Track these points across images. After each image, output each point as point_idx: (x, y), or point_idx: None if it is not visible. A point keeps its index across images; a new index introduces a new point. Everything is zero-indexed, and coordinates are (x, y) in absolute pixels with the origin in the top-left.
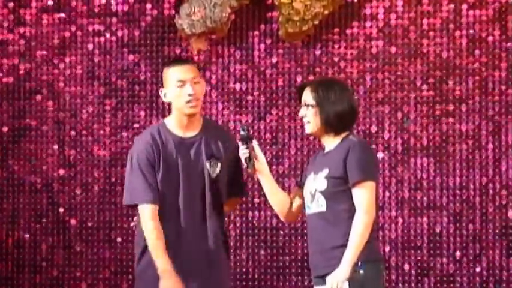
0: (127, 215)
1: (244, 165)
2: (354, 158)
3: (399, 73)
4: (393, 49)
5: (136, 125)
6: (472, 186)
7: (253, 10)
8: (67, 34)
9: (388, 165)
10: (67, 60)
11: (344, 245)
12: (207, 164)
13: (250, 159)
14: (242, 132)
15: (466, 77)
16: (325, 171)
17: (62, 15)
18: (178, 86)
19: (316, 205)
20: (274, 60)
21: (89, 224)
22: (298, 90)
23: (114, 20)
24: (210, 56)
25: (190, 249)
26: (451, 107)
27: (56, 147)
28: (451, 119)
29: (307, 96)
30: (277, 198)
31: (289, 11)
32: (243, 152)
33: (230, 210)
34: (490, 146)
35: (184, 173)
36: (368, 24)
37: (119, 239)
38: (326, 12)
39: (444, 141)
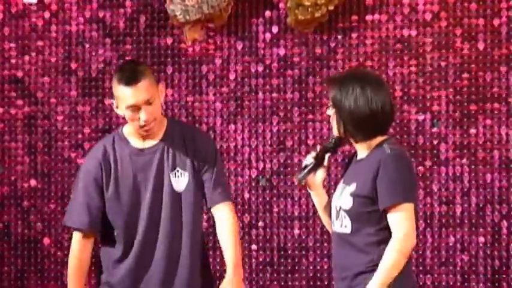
0: None
1: (301, 173)
2: (385, 177)
3: (428, 67)
4: (421, 39)
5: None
6: None
7: None
8: (40, 22)
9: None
10: (40, 52)
11: (367, 272)
12: (171, 177)
13: (309, 171)
14: (330, 141)
15: (506, 71)
16: (352, 187)
17: (34, 0)
18: (130, 110)
19: (340, 224)
20: (281, 52)
21: (65, 244)
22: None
23: (94, 5)
24: (206, 48)
25: (150, 276)
26: (488, 107)
27: (26, 153)
28: (488, 121)
29: (330, 95)
30: (326, 213)
31: None
32: (309, 158)
33: (229, 218)
34: None
35: (143, 189)
36: (392, 9)
37: (99, 260)
38: None
39: (480, 146)
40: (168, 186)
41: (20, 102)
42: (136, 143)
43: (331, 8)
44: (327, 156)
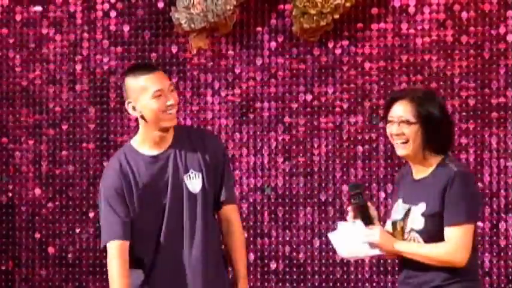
0: None
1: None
2: (452, 196)
3: (434, 75)
4: (427, 47)
5: (125, 137)
6: None
7: (262, 2)
8: (44, 31)
9: None
10: (45, 61)
11: (444, 286)
12: (185, 179)
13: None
14: (354, 201)
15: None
16: (422, 207)
17: (39, 8)
18: (156, 97)
19: None
20: (287, 61)
21: (70, 254)
22: (388, 102)
23: (99, 13)
24: (211, 56)
25: (177, 279)
26: (494, 116)
27: (31, 162)
28: (494, 130)
29: (405, 110)
30: None
31: (305, 3)
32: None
33: (237, 223)
34: None
35: (163, 195)
36: (397, 18)
37: (105, 269)
38: (348, 4)
39: (486, 155)
40: (185, 189)
41: (25, 111)
42: (148, 151)
43: (336, 16)
44: (372, 211)
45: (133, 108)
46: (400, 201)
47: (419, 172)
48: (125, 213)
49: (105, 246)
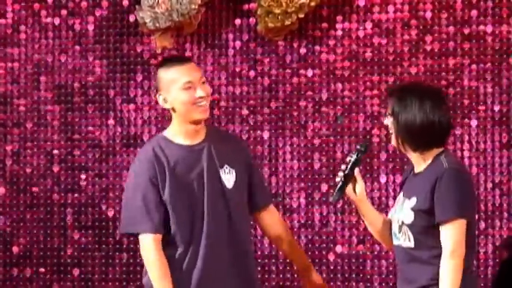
0: (79, 241)
1: (334, 194)
2: (441, 192)
3: (398, 75)
4: (391, 47)
5: (90, 135)
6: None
7: (227, 1)
8: (9, 30)
9: (393, 183)
10: (8, 59)
11: (430, 286)
12: (221, 173)
13: (340, 189)
14: (359, 147)
15: (476, 80)
16: (413, 201)
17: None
18: (185, 89)
19: (404, 238)
20: (251, 60)
21: (35, 253)
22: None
23: (63, 12)
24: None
25: (212, 267)
26: (459, 116)
27: None
28: (458, 131)
29: (389, 103)
30: (377, 226)
31: (270, 3)
32: (341, 173)
33: (274, 221)
34: None
35: (198, 185)
36: (362, 18)
37: (69, 268)
38: (313, 3)
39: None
40: (221, 182)
41: None
42: (183, 141)
43: (301, 15)
44: (356, 169)
45: (165, 100)
46: (401, 194)
47: (418, 166)
48: (158, 204)
49: (129, 234)
